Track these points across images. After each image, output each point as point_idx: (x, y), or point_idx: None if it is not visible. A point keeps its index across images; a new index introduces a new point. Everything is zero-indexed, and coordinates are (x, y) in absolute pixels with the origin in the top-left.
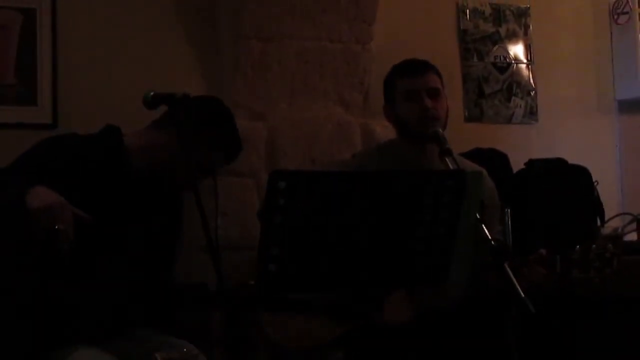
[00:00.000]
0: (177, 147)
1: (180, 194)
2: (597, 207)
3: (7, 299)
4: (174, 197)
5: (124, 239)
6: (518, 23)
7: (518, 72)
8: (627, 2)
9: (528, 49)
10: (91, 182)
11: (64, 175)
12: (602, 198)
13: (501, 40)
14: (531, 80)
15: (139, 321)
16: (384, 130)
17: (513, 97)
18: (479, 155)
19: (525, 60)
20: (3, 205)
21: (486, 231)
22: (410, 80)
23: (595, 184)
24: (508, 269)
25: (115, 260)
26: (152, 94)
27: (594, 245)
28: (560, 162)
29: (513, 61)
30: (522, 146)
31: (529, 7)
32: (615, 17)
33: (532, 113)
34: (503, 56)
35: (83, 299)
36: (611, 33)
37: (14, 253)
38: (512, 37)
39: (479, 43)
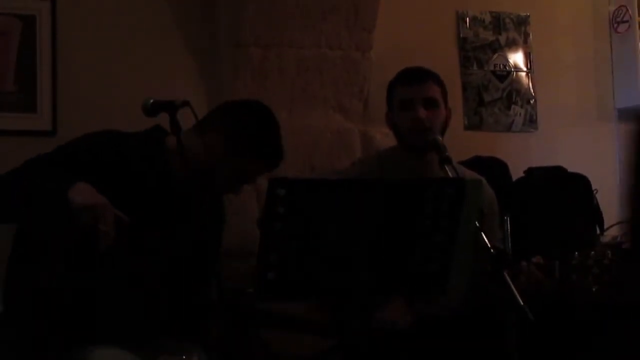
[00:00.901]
0: (220, 154)
1: (220, 198)
2: (596, 216)
3: (40, 293)
4: (214, 200)
5: (162, 241)
6: (518, 31)
7: (518, 80)
8: (627, 10)
9: (528, 57)
10: (130, 181)
11: (103, 172)
12: (602, 206)
13: (501, 48)
14: (531, 89)
15: (170, 326)
16: (384, 138)
17: (513, 105)
18: (478, 163)
19: (525, 69)
20: (45, 198)
21: (486, 239)
22: (406, 89)
23: (595, 192)
24: (507, 277)
25: (150, 263)
26: (151, 101)
27: (592, 252)
28: (559, 170)
29: (513, 69)
30: (522, 154)
31: (528, 16)
32: (615, 25)
33: (531, 121)
34: (503, 64)
35: (113, 300)
36: (611, 41)
37: (52, 247)
38: (512, 45)
39: (479, 51)
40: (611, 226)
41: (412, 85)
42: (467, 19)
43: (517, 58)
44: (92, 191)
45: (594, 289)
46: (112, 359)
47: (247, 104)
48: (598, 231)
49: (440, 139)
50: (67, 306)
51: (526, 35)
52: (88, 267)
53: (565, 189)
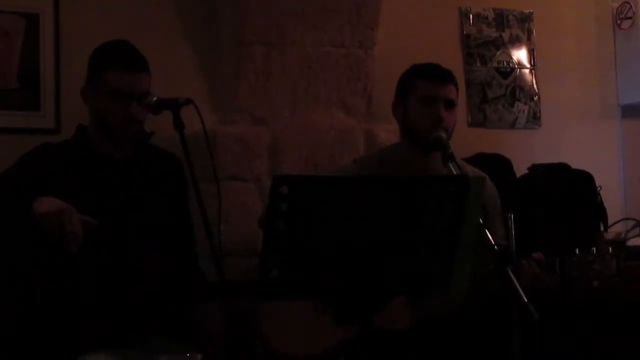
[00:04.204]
0: (92, 94)
1: (176, 165)
2: (600, 212)
3: (17, 304)
4: (169, 170)
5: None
6: (521, 28)
7: (521, 77)
8: (631, 7)
9: (531, 53)
10: (74, 179)
11: (51, 183)
12: (605, 203)
13: (504, 45)
14: (534, 85)
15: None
16: (388, 135)
17: (516, 102)
18: (482, 160)
19: (528, 65)
20: (11, 213)
21: (489, 236)
22: (432, 86)
23: (599, 189)
24: (511, 274)
25: (129, 257)
26: (155, 98)
27: (593, 248)
28: (563, 167)
29: (516, 66)
30: (526, 151)
31: (532, 12)
32: (619, 22)
33: (535, 118)
34: (506, 61)
35: (95, 303)
36: (614, 38)
37: (25, 258)
38: (516, 42)
39: (482, 48)
40: (615, 223)
41: (439, 84)
42: (471, 15)
43: (520, 55)
44: (53, 200)
45: (595, 284)
46: None
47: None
48: (602, 228)
49: (444, 136)
50: (50, 318)
51: (530, 32)
52: (64, 272)
53: (569, 186)
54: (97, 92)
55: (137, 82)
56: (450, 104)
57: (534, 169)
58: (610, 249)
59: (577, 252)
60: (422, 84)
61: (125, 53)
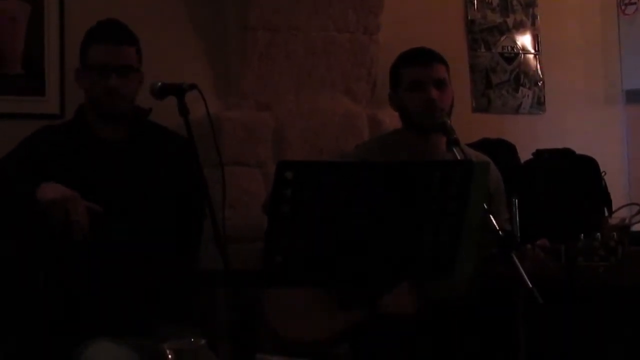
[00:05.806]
0: (83, 78)
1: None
2: (604, 198)
3: (24, 293)
4: (174, 152)
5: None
6: (526, 13)
7: (526, 62)
8: None
9: (536, 39)
10: (78, 165)
11: (51, 167)
12: (610, 188)
13: (509, 30)
14: (539, 71)
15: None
16: (392, 121)
17: (521, 88)
18: (486, 145)
19: (532, 51)
20: (14, 199)
21: (494, 221)
22: (416, 70)
23: (603, 174)
24: (515, 259)
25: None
26: (159, 84)
27: (598, 234)
28: (567, 152)
29: (521, 51)
30: (530, 136)
31: None
32: (623, 7)
33: (539, 103)
34: (511, 46)
35: (101, 292)
36: (619, 23)
37: (28, 245)
38: (520, 28)
39: (487, 33)
40: (619, 208)
41: (423, 67)
42: (475, 1)
43: (525, 40)
44: (58, 187)
45: (600, 271)
46: (105, 353)
47: None
48: (606, 213)
49: (449, 121)
50: (55, 305)
51: (534, 17)
52: (70, 262)
53: (574, 171)
54: (84, 70)
55: (117, 55)
56: (441, 84)
57: (538, 154)
58: (615, 234)
59: (582, 238)
60: (407, 71)
61: (107, 27)
